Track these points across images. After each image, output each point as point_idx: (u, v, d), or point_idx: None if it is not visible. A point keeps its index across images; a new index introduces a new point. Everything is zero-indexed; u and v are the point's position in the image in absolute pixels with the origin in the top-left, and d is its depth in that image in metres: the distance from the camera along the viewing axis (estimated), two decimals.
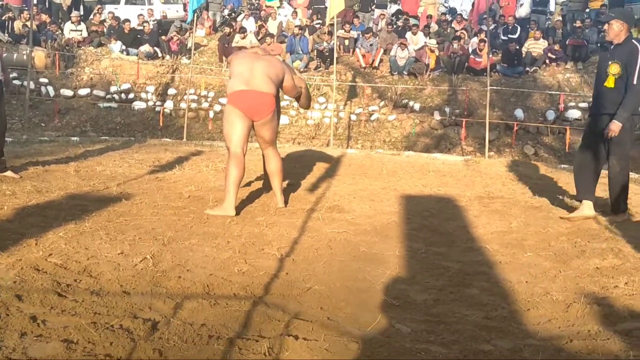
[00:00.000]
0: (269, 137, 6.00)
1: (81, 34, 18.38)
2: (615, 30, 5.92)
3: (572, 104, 15.11)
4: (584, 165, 6.21)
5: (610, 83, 5.92)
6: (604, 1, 18.74)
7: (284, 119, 15.56)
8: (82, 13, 20.12)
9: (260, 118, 5.80)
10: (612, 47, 6.25)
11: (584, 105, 14.88)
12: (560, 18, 18.64)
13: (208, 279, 3.84)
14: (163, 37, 18.42)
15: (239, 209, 5.76)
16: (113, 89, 16.80)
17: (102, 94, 16.74)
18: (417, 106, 15.55)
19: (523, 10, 19.21)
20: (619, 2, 18.73)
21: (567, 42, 16.75)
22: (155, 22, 19.51)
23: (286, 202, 6.12)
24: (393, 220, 5.70)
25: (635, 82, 5.68)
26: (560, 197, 7.07)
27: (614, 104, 5.87)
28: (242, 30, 17.90)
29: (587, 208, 6.06)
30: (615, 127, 5.79)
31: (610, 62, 5.96)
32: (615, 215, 6.04)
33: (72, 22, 18.41)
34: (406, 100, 15.81)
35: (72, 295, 3.42)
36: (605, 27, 6.20)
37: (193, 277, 3.84)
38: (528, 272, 4.35)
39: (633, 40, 5.84)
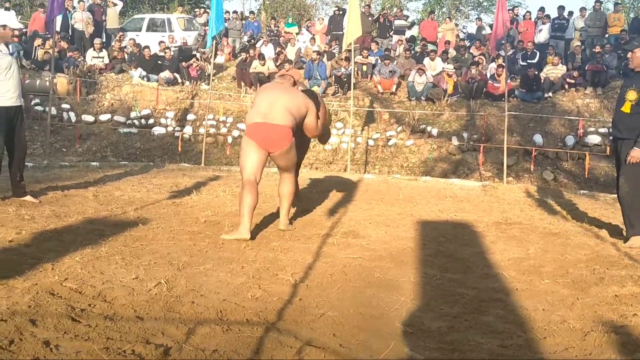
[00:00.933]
0: (285, 166, 6.03)
1: (103, 61, 18.64)
2: (638, 59, 6.01)
3: (592, 129, 15.02)
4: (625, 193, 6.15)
5: (626, 108, 6.01)
6: (623, 26, 18.70)
7: None
8: (104, 40, 20.41)
9: (276, 150, 5.82)
10: (633, 73, 6.30)
11: (603, 130, 14.79)
12: (580, 43, 18.61)
13: (221, 304, 3.84)
14: (183, 64, 18.62)
15: (254, 233, 5.77)
16: (133, 114, 16.97)
17: (122, 119, 16.91)
18: (434, 131, 15.54)
19: (542, 36, 19.19)
20: (639, 27, 18.68)
21: (586, 68, 16.70)
22: (177, 48, 19.71)
23: (290, 224, 6.22)
24: (409, 246, 5.68)
25: None
26: (580, 223, 7.02)
27: (628, 129, 5.98)
28: (261, 56, 18.05)
29: (636, 242, 6.00)
30: (636, 153, 5.87)
31: (628, 89, 6.06)
32: (628, 238, 6.03)
33: (94, 49, 18.67)
34: (424, 126, 15.80)
35: (85, 320, 3.43)
36: (629, 55, 6.27)
37: (206, 303, 3.84)
38: (545, 299, 4.30)
39: None
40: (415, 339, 3.51)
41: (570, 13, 20.02)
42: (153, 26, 21.99)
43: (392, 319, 3.78)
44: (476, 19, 24.12)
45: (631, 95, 5.99)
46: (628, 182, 6.07)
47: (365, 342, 3.41)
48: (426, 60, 17.81)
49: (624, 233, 6.23)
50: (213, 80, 16.20)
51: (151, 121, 16.97)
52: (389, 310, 3.92)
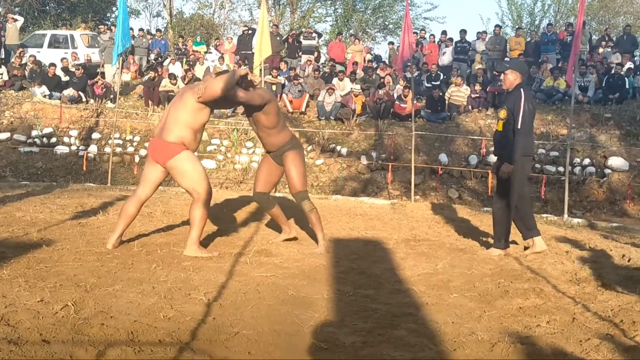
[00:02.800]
0: (180, 183, 5.94)
1: (1, 78, 17.96)
2: (510, 80, 6.40)
3: (493, 148, 15.55)
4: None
5: (499, 127, 6.46)
6: (522, 50, 19.54)
7: (210, 164, 15.47)
8: (2, 56, 19.66)
9: (162, 163, 5.80)
10: (506, 94, 6.75)
11: None
12: (482, 66, 19.34)
13: (132, 325, 3.74)
14: (88, 81, 18.18)
15: (164, 254, 5.69)
16: (34, 133, 16.38)
17: (22, 138, 16.31)
18: (344, 151, 15.74)
19: (446, 58, 19.84)
20: (536, 50, 19.57)
21: (487, 89, 17.34)
22: (80, 66, 19.21)
23: (195, 250, 5.77)
24: (321, 263, 5.71)
25: (519, 127, 6.13)
26: (484, 239, 7.24)
27: (502, 146, 6.40)
28: (172, 76, 17.82)
29: (538, 243, 6.44)
30: (506, 169, 6.24)
31: (500, 108, 6.56)
32: (494, 249, 6.46)
33: None
34: (333, 145, 15.98)
35: None
36: (502, 77, 6.67)
37: (116, 324, 3.73)
38: (454, 312, 4.41)
39: (520, 89, 6.29)
40: (330, 354, 3.53)
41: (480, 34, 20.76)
42: (55, 42, 21.37)
43: (307, 336, 3.79)
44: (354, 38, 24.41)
45: (502, 113, 6.40)
46: (500, 200, 6.51)
47: (281, 359, 3.41)
48: (335, 81, 18.06)
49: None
50: (119, 98, 15.86)
51: (54, 140, 16.43)
52: (303, 327, 3.93)
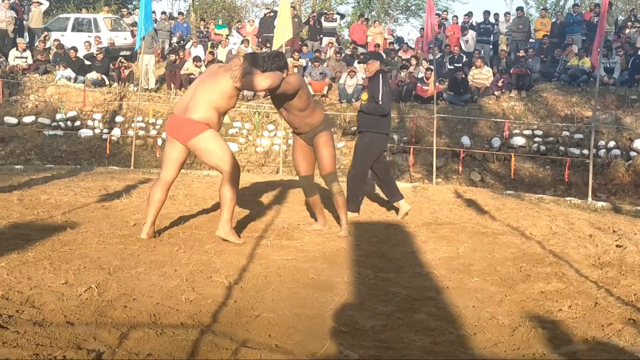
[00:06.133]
0: (208, 162, 5.78)
1: (26, 61, 18.11)
2: (371, 68, 7.38)
3: (517, 131, 15.45)
4: (375, 178, 7.62)
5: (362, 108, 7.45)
6: (547, 32, 19.32)
7: (232, 147, 15.52)
8: (27, 40, 19.79)
9: (184, 141, 5.60)
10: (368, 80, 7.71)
11: (528, 132, 15.25)
12: (505, 48, 19.13)
13: (155, 308, 3.78)
14: (111, 65, 18.28)
15: (186, 237, 5.72)
16: (59, 116, 16.53)
17: (47, 121, 16.46)
18: None
19: (470, 40, 19.66)
20: (561, 31, 19.34)
21: (511, 71, 17.17)
22: (103, 49, 19.30)
23: (228, 232, 5.67)
24: (342, 246, 5.72)
25: (380, 102, 7.16)
26: (506, 222, 7.20)
27: (362, 124, 7.39)
28: (197, 58, 17.83)
29: (403, 205, 7.38)
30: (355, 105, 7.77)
31: (362, 92, 7.89)
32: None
33: (17, 49, 18.12)
34: (355, 128, 15.93)
35: (13, 326, 3.32)
36: (365, 65, 7.73)
37: (139, 307, 3.78)
38: (475, 296, 4.40)
39: (379, 74, 7.28)
40: (350, 337, 3.55)
41: (496, 15, 20.56)
42: (79, 26, 21.42)
43: (327, 319, 3.80)
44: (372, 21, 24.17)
45: (363, 96, 7.48)
46: (354, 169, 7.39)
47: (301, 342, 3.43)
48: (356, 63, 17.98)
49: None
50: (142, 82, 15.94)
51: (78, 123, 16.58)
52: (323, 310, 3.95)
